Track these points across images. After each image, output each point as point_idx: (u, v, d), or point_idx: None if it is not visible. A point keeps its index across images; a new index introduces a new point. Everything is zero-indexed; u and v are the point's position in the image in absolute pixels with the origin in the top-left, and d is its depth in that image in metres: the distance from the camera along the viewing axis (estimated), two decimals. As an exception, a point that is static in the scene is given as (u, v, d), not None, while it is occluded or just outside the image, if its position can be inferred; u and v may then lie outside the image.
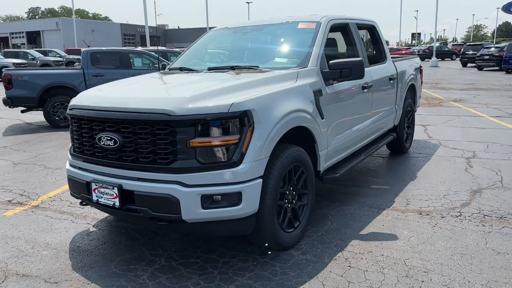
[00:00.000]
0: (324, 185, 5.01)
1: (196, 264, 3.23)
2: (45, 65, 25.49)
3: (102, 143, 3.08)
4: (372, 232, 3.76)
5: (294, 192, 3.49)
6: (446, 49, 47.02)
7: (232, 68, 3.99)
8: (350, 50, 4.88)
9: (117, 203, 3.04)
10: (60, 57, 30.82)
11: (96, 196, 3.17)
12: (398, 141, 6.29)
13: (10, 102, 9.34)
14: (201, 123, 2.82)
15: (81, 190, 3.30)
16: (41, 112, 9.84)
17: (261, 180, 3.00)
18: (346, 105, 4.32)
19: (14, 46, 65.11)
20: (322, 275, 3.03)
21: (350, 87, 4.34)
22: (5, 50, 32.65)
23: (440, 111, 10.81)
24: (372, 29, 5.76)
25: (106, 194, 3.09)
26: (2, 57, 25.88)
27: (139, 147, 2.95)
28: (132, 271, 3.14)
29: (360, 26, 5.27)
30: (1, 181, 5.60)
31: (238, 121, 2.89)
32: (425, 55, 43.11)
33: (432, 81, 19.67)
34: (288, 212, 3.42)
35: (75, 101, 3.42)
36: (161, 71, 4.69)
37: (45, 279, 3.05)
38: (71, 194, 3.51)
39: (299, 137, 3.66)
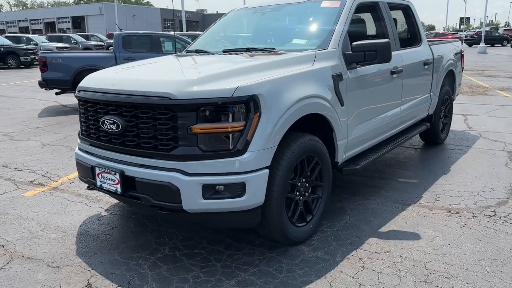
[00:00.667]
0: (347, 177, 4.74)
1: (200, 255, 3.09)
2: (86, 49, 26.21)
3: (106, 127, 2.97)
4: (392, 230, 3.47)
5: (307, 184, 3.26)
6: (496, 34, 44.25)
7: (247, 50, 3.77)
8: (380, 32, 4.52)
9: (119, 189, 2.94)
10: (101, 41, 31.59)
11: (100, 181, 3.08)
12: (433, 131, 5.85)
13: (45, 84, 9.58)
14: (203, 108, 2.64)
15: (87, 175, 3.23)
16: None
17: (267, 170, 2.79)
18: (370, 92, 4.00)
19: (60, 30, 67.61)
20: (331, 275, 2.80)
21: (376, 71, 4.01)
22: (50, 34, 33.85)
23: (484, 100, 10.08)
24: (406, 10, 5.33)
25: (109, 179, 3.00)
26: (47, 41, 26.85)
27: (141, 132, 2.82)
28: (134, 259, 3.05)
29: (393, 6, 4.87)
30: (28, 161, 5.71)
31: (244, 107, 2.69)
32: (473, 41, 40.80)
33: (479, 68, 18.50)
34: (299, 205, 3.21)
35: (83, 83, 3.33)
36: (178, 53, 4.53)
37: (48, 263, 3.02)
38: (79, 178, 3.46)
39: (316, 125, 3.41)
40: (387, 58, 3.59)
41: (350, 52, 3.61)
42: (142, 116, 2.79)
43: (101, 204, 4.13)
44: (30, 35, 28.68)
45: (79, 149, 3.40)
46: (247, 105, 2.69)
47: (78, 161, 3.36)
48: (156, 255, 3.10)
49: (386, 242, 3.25)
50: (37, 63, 14.82)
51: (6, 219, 3.80)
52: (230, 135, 2.68)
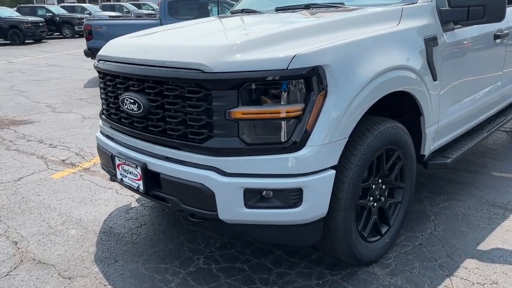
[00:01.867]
0: (425, 170, 3.84)
1: (241, 272, 2.43)
2: (138, 17, 26.08)
3: (126, 107, 2.33)
4: (496, 248, 2.61)
5: (383, 186, 2.46)
6: None
7: (307, 6, 2.93)
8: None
9: (141, 187, 2.31)
10: (152, 9, 31.39)
11: (120, 174, 2.48)
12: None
13: (91, 53, 9.23)
14: (247, 85, 1.90)
15: (108, 163, 2.64)
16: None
17: (333, 172, 2.03)
18: (469, 62, 3.03)
19: None
20: (419, 317, 2.04)
21: (478, 35, 3.04)
22: (103, 3, 34.18)
23: None
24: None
25: (130, 173, 2.38)
26: (100, 10, 27.01)
27: (167, 116, 2.14)
28: (161, 272, 2.46)
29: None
30: (64, 136, 5.33)
31: (303, 83, 1.91)
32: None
33: None
34: (372, 213, 2.43)
35: (102, 51, 2.69)
36: (221, 15, 3.78)
37: (59, 270, 2.50)
38: (101, 167, 2.89)
39: (395, 107, 2.58)
40: (499, 16, 2.61)
41: (448, 8, 2.67)
42: (168, 94, 2.11)
43: (132, 192, 3.58)
44: (84, 5, 29.05)
45: (101, 131, 2.80)
46: (307, 81, 1.91)
47: (99, 146, 2.77)
48: (187, 268, 2.49)
49: (490, 267, 2.41)
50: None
51: (27, 207, 3.36)
52: (284, 122, 1.93)
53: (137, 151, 2.35)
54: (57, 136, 5.36)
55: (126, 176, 2.43)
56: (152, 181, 2.27)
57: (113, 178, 2.68)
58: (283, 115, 1.91)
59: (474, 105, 3.26)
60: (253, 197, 2.00)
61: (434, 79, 2.60)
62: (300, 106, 1.92)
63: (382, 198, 2.48)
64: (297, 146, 1.93)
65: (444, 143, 3.03)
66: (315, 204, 2.01)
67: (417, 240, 2.71)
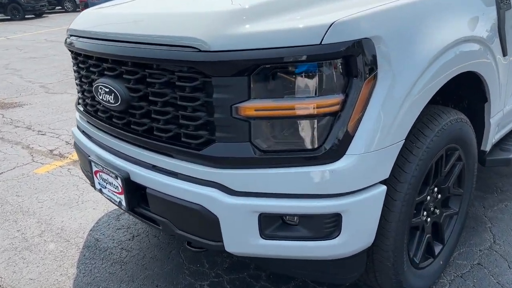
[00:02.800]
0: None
1: (256, 307, 1.92)
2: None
3: (101, 98, 1.76)
4: None
5: (439, 195, 1.89)
6: None
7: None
8: None
9: (124, 203, 1.77)
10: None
11: (99, 183, 1.94)
12: None
13: (88, 27, 8.59)
14: (261, 68, 1.32)
15: (87, 167, 2.10)
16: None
17: (384, 188, 1.46)
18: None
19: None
20: None
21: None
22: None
23: None
24: None
25: (110, 184, 1.84)
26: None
27: (153, 111, 1.58)
28: (154, 305, 1.96)
29: None
30: (55, 121, 4.81)
31: (343, 65, 1.32)
32: None
33: None
34: (426, 232, 1.87)
35: (74, 24, 2.10)
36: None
37: (29, 303, 2.02)
38: (81, 169, 2.35)
39: (449, 92, 1.98)
40: None
41: (525, -43, 2.02)
42: (152, 82, 1.53)
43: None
44: (87, -23, 28.01)
45: (77, 127, 2.25)
46: (350, 62, 1.32)
47: (76, 145, 2.23)
48: (187, 300, 1.98)
49: None
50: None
51: (2, 212, 2.86)
52: (314, 121, 1.35)
53: (118, 156, 1.80)
54: (48, 121, 4.84)
55: (105, 187, 1.89)
56: (137, 196, 1.73)
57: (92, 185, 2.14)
58: (313, 111, 1.33)
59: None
60: (271, 225, 1.45)
61: (504, 53, 1.98)
62: (338, 98, 1.34)
63: (437, 211, 1.91)
64: (334, 154, 1.36)
65: (504, 134, 2.43)
66: (357, 233, 1.45)
67: (475, 258, 2.16)
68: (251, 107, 1.35)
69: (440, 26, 1.56)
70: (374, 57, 1.34)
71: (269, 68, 1.32)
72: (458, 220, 2.05)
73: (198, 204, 1.48)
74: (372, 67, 1.34)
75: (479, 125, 2.09)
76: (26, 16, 19.22)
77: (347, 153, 1.36)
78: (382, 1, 1.45)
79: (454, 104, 2.12)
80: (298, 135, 1.38)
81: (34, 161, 3.72)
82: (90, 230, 2.60)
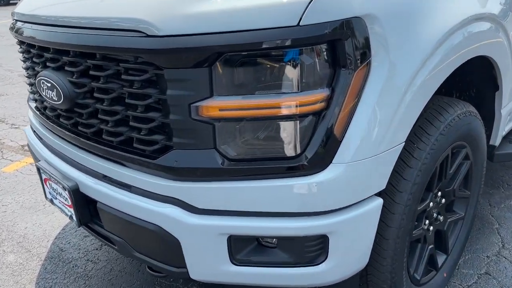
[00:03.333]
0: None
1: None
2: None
3: (44, 94, 1.48)
4: None
5: (443, 200, 1.64)
6: None
7: None
8: None
9: (75, 217, 1.51)
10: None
11: (50, 192, 1.67)
12: None
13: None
14: (225, 58, 1.04)
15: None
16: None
17: (380, 201, 1.20)
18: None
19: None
20: None
21: None
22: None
23: None
24: None
25: (60, 194, 1.57)
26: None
27: (100, 110, 1.30)
28: (119, 329, 1.71)
29: None
30: (31, 114, 4.50)
31: (328, 52, 1.05)
32: None
33: None
34: (428, 242, 1.62)
35: (19, 7, 1.79)
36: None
37: (-24, 329, 1.77)
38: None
39: (452, 79, 1.71)
40: None
41: None
42: (96, 75, 1.25)
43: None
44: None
45: (30, 126, 1.97)
46: (336, 47, 1.04)
47: (29, 147, 1.95)
48: (157, 323, 1.73)
49: None
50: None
51: (-40, 218, 2.59)
52: (293, 123, 1.08)
53: (67, 162, 1.53)
54: (23, 113, 4.53)
55: (56, 198, 1.62)
56: (88, 210, 1.47)
57: (49, 191, 1.87)
58: (290, 110, 1.06)
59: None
60: (244, 248, 1.20)
61: (519, 33, 1.71)
62: (322, 94, 1.07)
63: (441, 217, 1.66)
64: (317, 164, 1.09)
65: (515, 124, 2.17)
66: (348, 257, 1.20)
67: (482, 266, 1.92)
68: (214, 106, 1.08)
69: (448, 0, 1.28)
70: (367, 41, 1.07)
71: (235, 57, 1.05)
72: (464, 226, 1.81)
73: (154, 224, 1.22)
74: (364, 53, 1.07)
75: (488, 117, 1.83)
76: (11, 2, 18.58)
77: (333, 161, 1.10)
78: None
79: (459, 93, 1.86)
80: (274, 140, 1.11)
81: (3, 158, 3.44)
82: (55, 238, 2.34)
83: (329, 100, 1.08)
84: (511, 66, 1.70)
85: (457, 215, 1.77)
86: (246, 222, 1.14)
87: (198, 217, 1.17)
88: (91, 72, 1.26)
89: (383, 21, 1.09)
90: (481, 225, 2.19)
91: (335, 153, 1.09)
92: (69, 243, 2.29)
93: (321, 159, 1.09)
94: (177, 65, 1.07)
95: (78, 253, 2.20)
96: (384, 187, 1.20)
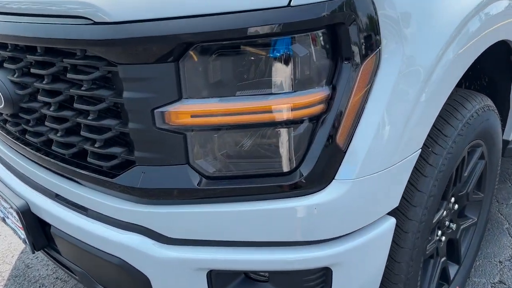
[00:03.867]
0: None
1: None
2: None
3: (-15, 96, 1.22)
4: None
5: (456, 205, 1.44)
6: None
7: None
8: None
9: (27, 241, 1.27)
10: None
11: (1, 210, 1.43)
12: None
13: None
14: (196, 50, 0.81)
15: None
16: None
17: (393, 221, 0.99)
18: None
19: None
20: None
21: None
22: None
23: None
24: None
25: (11, 214, 1.33)
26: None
27: (48, 116, 1.05)
28: None
29: None
30: None
31: (326, 41, 0.82)
32: None
33: None
34: (440, 255, 1.43)
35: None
36: None
37: None
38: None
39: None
40: None
41: None
42: (40, 74, 1.00)
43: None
44: None
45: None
46: (337, 34, 0.82)
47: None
48: None
49: None
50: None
51: None
52: (286, 131, 0.85)
53: (18, 177, 1.28)
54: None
55: (8, 217, 1.37)
56: (44, 234, 1.23)
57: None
58: (282, 115, 0.83)
59: None
60: (227, 284, 0.98)
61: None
62: (321, 93, 0.84)
63: (453, 225, 1.46)
64: (317, 181, 0.87)
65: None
66: (355, 290, 0.99)
67: (495, 273, 1.74)
68: (184, 112, 0.85)
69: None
70: (376, 25, 0.84)
71: (209, 48, 0.81)
72: (477, 232, 1.62)
73: (117, 257, 0.99)
74: (373, 41, 0.84)
75: (501, 108, 1.62)
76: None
77: (337, 177, 0.88)
78: None
79: (468, 82, 1.65)
80: (261, 152, 0.88)
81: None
82: (21, 252, 2.10)
83: (329, 101, 0.85)
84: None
85: (470, 220, 1.57)
86: (229, 255, 0.92)
87: (170, 248, 0.94)
88: (33, 70, 1.01)
89: (396, 1, 0.86)
90: (490, 225, 2.01)
91: (339, 167, 0.87)
92: (36, 258, 2.05)
93: (321, 175, 0.87)
94: (134, 59, 0.83)
95: (46, 270, 1.96)
96: (397, 204, 0.99)
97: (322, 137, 0.85)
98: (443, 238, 1.42)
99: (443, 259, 1.43)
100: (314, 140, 0.86)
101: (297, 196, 0.88)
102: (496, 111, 1.40)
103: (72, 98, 0.97)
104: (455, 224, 1.46)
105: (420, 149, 0.99)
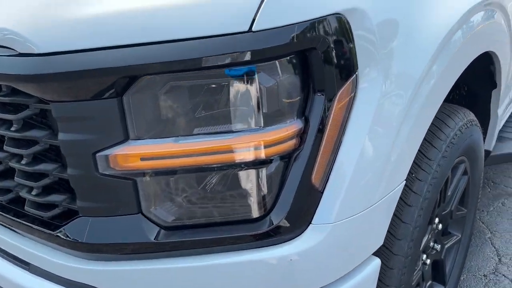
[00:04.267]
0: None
1: None
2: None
3: None
4: None
5: (440, 226, 1.36)
6: None
7: None
8: None
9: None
10: None
11: None
12: None
13: None
14: (143, 83, 0.68)
15: None
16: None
17: (377, 262, 0.89)
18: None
19: None
20: None
21: None
22: None
23: None
24: None
25: None
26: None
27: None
28: None
29: None
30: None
31: (295, 69, 0.71)
32: None
33: None
34: (426, 280, 1.34)
35: None
36: None
37: None
38: None
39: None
40: None
41: None
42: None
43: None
44: None
45: None
46: (307, 61, 0.71)
47: None
48: None
49: None
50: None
51: None
52: (251, 173, 0.74)
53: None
54: None
55: None
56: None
57: None
58: (250, 154, 0.72)
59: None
60: None
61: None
62: (292, 128, 0.73)
63: (438, 246, 1.38)
64: (292, 226, 0.76)
65: (505, 120, 1.93)
66: None
67: (479, 286, 1.68)
68: (132, 155, 0.72)
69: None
70: (352, 49, 0.73)
71: (159, 80, 0.69)
72: (461, 248, 1.54)
73: (63, 321, 0.85)
74: (349, 67, 0.74)
75: (481, 118, 1.56)
76: None
77: (314, 222, 0.77)
78: None
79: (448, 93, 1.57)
80: (227, 197, 0.76)
81: None
82: None
83: (302, 135, 0.74)
84: (509, 57, 1.42)
85: (454, 237, 1.49)
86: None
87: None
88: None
89: (374, 17, 0.76)
90: (473, 235, 1.95)
91: (315, 211, 0.76)
92: None
93: (296, 220, 0.75)
94: (68, 96, 0.69)
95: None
96: (382, 242, 0.89)
97: (295, 177, 0.74)
98: (428, 261, 1.33)
99: (429, 283, 1.35)
100: (287, 181, 0.74)
101: (270, 245, 0.76)
102: (478, 124, 1.32)
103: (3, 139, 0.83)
104: (439, 245, 1.38)
105: (405, 180, 0.89)
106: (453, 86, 1.50)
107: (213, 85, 0.69)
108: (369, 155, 0.78)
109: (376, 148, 0.79)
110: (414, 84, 0.83)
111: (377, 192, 0.81)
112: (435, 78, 0.88)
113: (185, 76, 0.69)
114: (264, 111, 0.71)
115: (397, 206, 0.95)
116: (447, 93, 0.96)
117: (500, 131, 1.94)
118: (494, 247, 1.88)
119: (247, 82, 0.68)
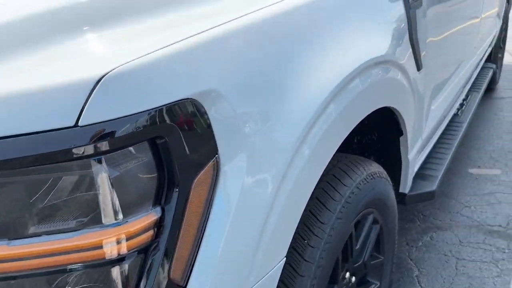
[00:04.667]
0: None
1: None
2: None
3: None
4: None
5: (353, 278, 1.33)
6: None
7: None
8: None
9: None
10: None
11: None
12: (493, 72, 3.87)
13: None
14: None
15: None
16: None
17: None
18: (453, 20, 1.94)
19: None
20: None
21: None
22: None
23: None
24: None
25: None
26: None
27: None
28: None
29: None
30: None
31: (141, 154, 0.65)
32: None
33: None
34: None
35: None
36: None
37: None
38: None
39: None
40: None
41: None
42: None
43: None
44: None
45: None
46: (156, 152, 0.65)
47: None
48: None
49: None
50: None
51: None
52: (105, 271, 0.67)
53: None
54: None
55: None
56: None
57: None
58: (97, 253, 0.65)
59: (455, 84, 2.21)
60: None
61: (419, 67, 1.46)
62: (145, 220, 0.67)
63: (351, 299, 1.35)
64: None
65: (425, 157, 1.97)
66: None
67: (406, 331, 1.67)
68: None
69: (331, 47, 0.95)
70: (209, 132, 0.69)
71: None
72: (382, 295, 1.53)
73: None
74: (207, 150, 0.69)
75: (395, 161, 1.57)
76: None
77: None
78: (209, 20, 0.78)
79: (359, 137, 1.58)
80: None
81: None
82: None
83: (159, 227, 0.68)
84: (413, 107, 1.45)
85: (372, 285, 1.48)
86: None
87: None
88: None
89: (234, 99, 0.72)
90: (400, 274, 1.96)
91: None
92: None
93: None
94: None
95: None
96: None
97: (152, 274, 0.68)
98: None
99: None
100: (142, 279, 0.68)
101: None
102: (384, 174, 1.32)
103: None
104: (352, 298, 1.36)
105: (285, 257, 0.85)
106: (363, 133, 1.52)
107: (43, 179, 0.62)
108: (236, 241, 0.73)
109: (243, 233, 0.74)
110: (286, 157, 0.80)
111: (250, 277, 0.76)
112: (312, 147, 0.85)
113: (19, 172, 0.62)
114: (107, 204, 0.65)
115: (288, 277, 0.92)
116: (330, 158, 0.93)
117: (423, 168, 1.99)
118: (421, 286, 1.89)
119: (83, 177, 0.62)
